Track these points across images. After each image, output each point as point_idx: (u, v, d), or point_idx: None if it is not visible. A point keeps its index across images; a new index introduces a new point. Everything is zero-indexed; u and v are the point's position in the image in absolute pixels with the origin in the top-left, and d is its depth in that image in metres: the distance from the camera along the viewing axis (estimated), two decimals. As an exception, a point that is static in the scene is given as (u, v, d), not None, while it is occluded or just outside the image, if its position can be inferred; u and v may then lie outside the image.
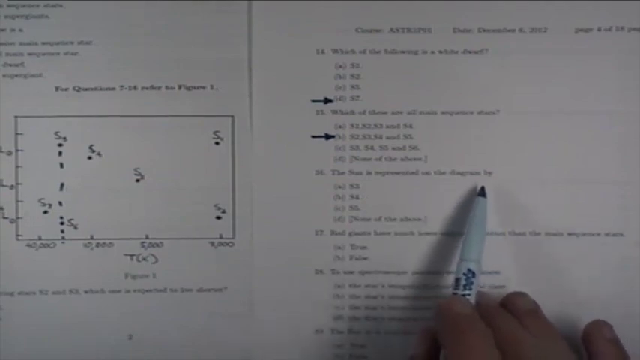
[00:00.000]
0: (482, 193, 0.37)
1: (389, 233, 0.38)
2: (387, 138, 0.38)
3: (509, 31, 0.37)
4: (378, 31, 0.38)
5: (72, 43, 0.37)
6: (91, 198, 0.38)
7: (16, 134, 0.38)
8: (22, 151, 0.38)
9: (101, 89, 0.38)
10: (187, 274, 0.38)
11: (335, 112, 0.38)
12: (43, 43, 0.37)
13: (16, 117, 0.38)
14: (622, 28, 0.37)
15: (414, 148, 0.38)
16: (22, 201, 0.38)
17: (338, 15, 0.38)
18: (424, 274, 0.38)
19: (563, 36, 0.37)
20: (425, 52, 0.38)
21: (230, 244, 0.38)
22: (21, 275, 0.38)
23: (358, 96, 0.38)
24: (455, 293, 0.35)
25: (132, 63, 0.37)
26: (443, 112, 0.38)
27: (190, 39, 0.38)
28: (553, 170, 0.38)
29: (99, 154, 0.38)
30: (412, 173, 0.38)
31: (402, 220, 0.38)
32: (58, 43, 0.37)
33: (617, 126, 0.37)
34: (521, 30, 0.37)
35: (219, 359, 0.38)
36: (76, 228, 0.38)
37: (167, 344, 0.38)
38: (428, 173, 0.38)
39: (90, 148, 0.38)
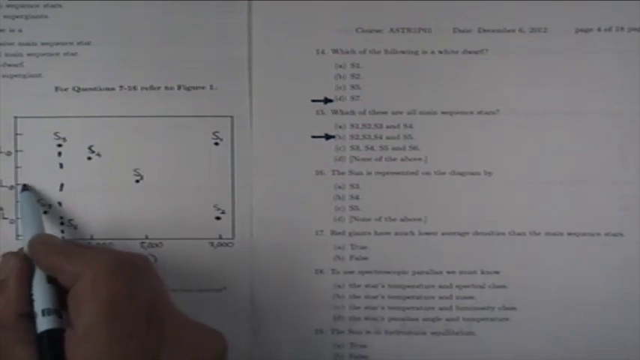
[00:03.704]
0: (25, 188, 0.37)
1: (389, 233, 0.38)
2: (387, 138, 0.38)
3: (509, 31, 0.37)
4: (378, 31, 0.38)
5: (71, 43, 0.37)
6: (91, 198, 0.38)
7: (16, 134, 0.38)
8: (21, 151, 0.38)
9: (100, 89, 0.38)
10: (187, 275, 0.38)
11: (335, 112, 0.38)
12: (43, 44, 0.37)
13: (15, 117, 0.38)
14: (622, 28, 0.37)
15: (414, 148, 0.38)
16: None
17: (338, 15, 0.37)
18: (424, 274, 0.38)
19: (563, 36, 0.37)
20: (425, 52, 0.37)
21: (229, 244, 0.38)
22: (21, 275, 0.38)
23: (358, 96, 0.38)
24: None
25: (131, 63, 0.37)
26: (443, 112, 0.38)
27: (190, 39, 0.37)
28: (553, 170, 0.38)
29: (98, 155, 0.38)
30: (412, 173, 0.38)
31: (402, 220, 0.38)
32: (57, 44, 0.37)
33: (617, 126, 0.37)
34: (521, 30, 0.37)
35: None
36: (75, 228, 0.38)
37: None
38: (428, 173, 0.38)
39: (89, 148, 0.38)
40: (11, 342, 0.32)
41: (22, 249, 0.35)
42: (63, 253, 0.33)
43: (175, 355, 0.31)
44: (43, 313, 0.32)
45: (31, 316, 0.32)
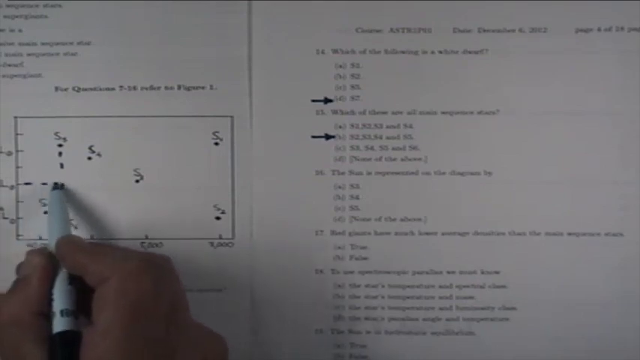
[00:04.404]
0: (56, 187, 0.37)
1: (389, 233, 0.38)
2: (387, 138, 0.38)
3: (509, 31, 0.37)
4: (378, 31, 0.38)
5: (71, 43, 0.37)
6: (91, 198, 0.38)
7: (16, 134, 0.38)
8: (22, 151, 0.38)
9: (100, 89, 0.38)
10: (187, 275, 0.38)
11: (335, 112, 0.38)
12: (43, 44, 0.37)
13: (15, 117, 0.38)
14: (622, 28, 0.37)
15: (414, 148, 0.38)
16: (22, 201, 0.38)
17: (338, 15, 0.37)
18: (424, 274, 0.38)
19: (563, 36, 0.37)
20: (425, 52, 0.37)
21: (229, 244, 0.38)
22: (21, 275, 0.38)
23: (358, 96, 0.38)
24: None
25: (131, 63, 0.37)
26: (443, 112, 0.38)
27: (190, 39, 0.38)
28: (553, 170, 0.38)
29: (99, 155, 0.38)
30: (412, 173, 0.38)
31: (402, 220, 0.38)
32: (57, 44, 0.37)
33: (617, 126, 0.37)
34: (521, 30, 0.37)
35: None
36: (76, 228, 0.38)
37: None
38: (428, 173, 0.38)
39: (90, 148, 0.38)
40: (25, 340, 0.32)
41: (45, 248, 0.35)
42: (90, 253, 0.33)
43: (186, 356, 0.31)
44: (62, 313, 0.32)
45: (47, 316, 0.32)
